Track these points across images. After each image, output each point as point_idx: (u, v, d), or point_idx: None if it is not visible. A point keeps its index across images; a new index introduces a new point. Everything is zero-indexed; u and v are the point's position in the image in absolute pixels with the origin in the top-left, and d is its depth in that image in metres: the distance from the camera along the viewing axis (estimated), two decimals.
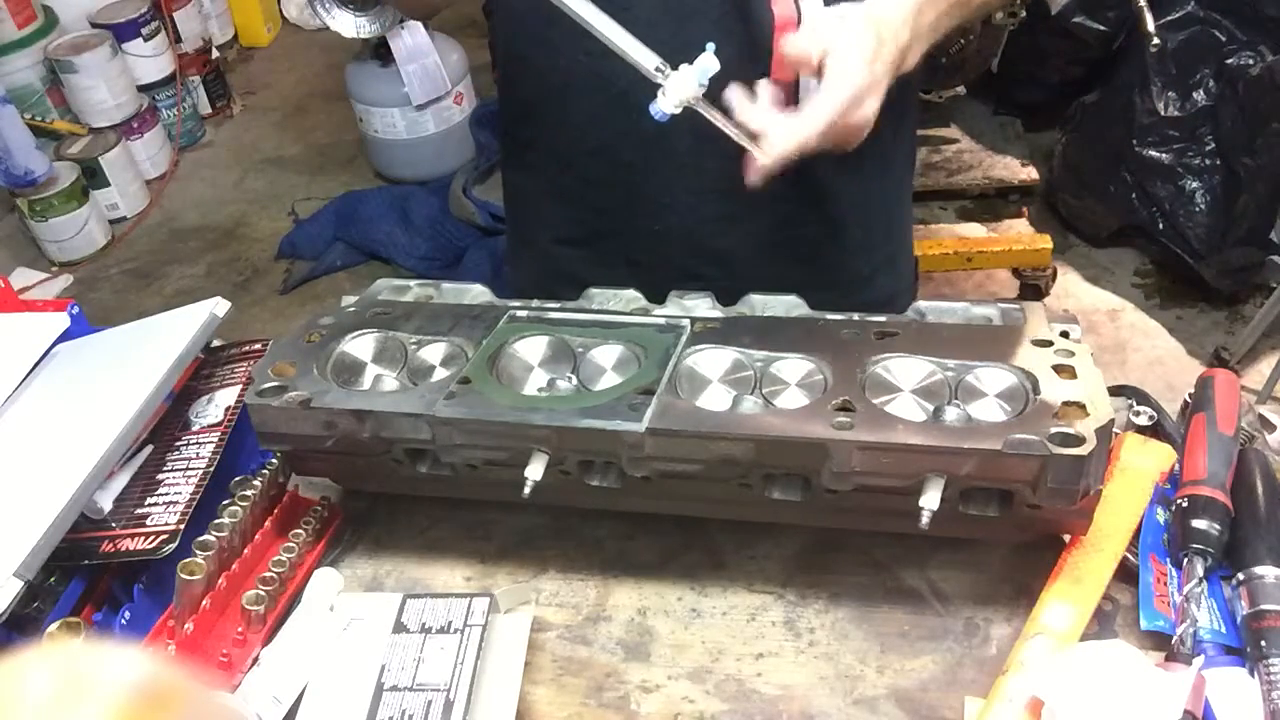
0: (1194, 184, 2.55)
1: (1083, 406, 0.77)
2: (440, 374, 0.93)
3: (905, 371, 0.86)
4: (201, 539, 0.85)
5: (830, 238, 1.13)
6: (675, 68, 0.85)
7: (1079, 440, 0.73)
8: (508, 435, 0.84)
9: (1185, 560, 0.81)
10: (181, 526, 0.86)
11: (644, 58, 0.86)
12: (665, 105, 0.85)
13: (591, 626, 0.89)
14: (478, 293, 1.04)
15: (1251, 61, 2.43)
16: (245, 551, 0.89)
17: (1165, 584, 0.82)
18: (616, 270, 1.01)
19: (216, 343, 1.09)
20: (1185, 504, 0.83)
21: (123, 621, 0.84)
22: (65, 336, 1.06)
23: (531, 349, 0.94)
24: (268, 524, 0.93)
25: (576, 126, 1.07)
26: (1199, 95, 2.53)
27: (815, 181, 1.06)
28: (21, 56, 3.31)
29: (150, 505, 0.90)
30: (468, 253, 3.00)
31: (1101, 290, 2.73)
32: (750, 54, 0.99)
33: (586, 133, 1.06)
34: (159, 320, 1.05)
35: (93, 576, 0.89)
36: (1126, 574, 0.84)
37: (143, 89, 3.57)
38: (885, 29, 0.89)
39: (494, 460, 0.86)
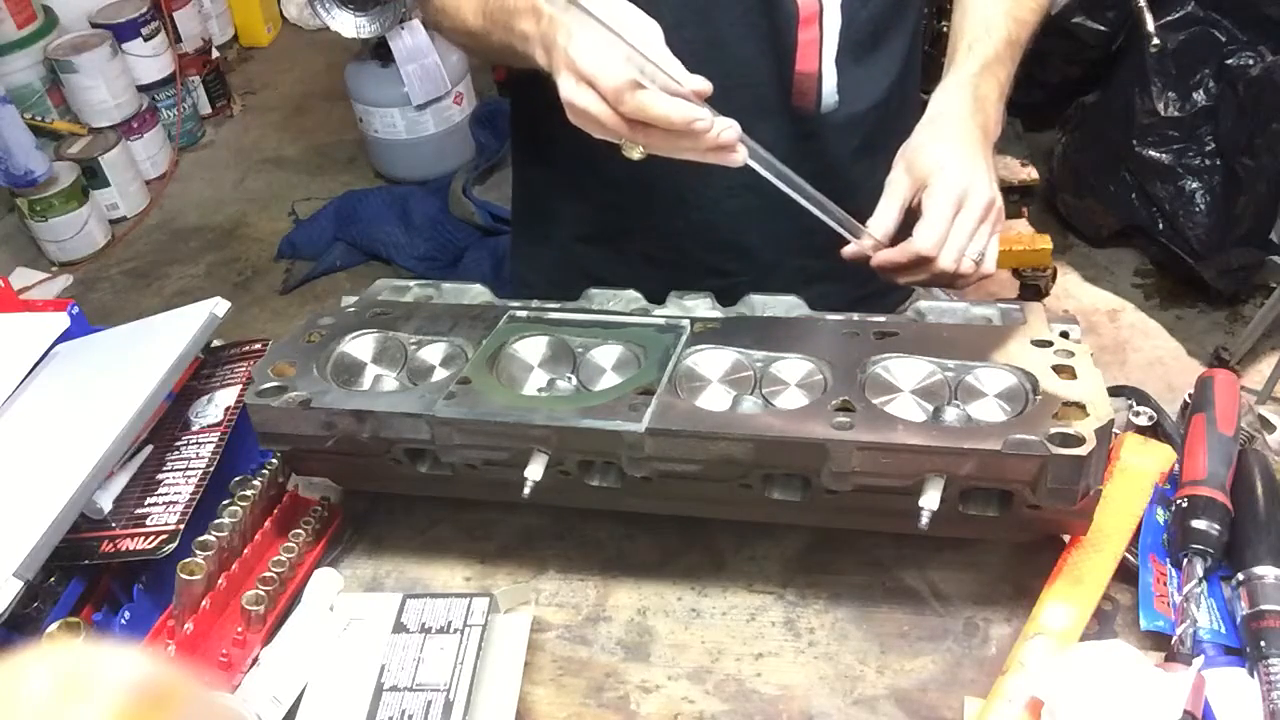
0: (1194, 184, 2.55)
1: (1083, 406, 0.77)
2: (440, 374, 0.93)
3: (905, 371, 0.86)
4: (201, 539, 0.85)
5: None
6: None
7: (1079, 440, 0.73)
8: (507, 435, 0.84)
9: (1185, 560, 0.81)
10: (181, 526, 0.86)
11: (856, 230, 0.98)
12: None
13: (591, 626, 0.89)
14: (478, 293, 1.04)
15: (1251, 61, 2.43)
16: (245, 551, 0.89)
17: (1165, 584, 0.82)
18: (635, 268, 1.01)
19: (216, 343, 1.09)
20: (1185, 504, 0.83)
21: (123, 621, 0.84)
22: (65, 336, 1.06)
23: (531, 349, 0.94)
24: (268, 524, 0.93)
25: None
26: (1199, 95, 2.53)
27: (835, 174, 1.07)
28: (21, 56, 3.30)
29: (150, 505, 0.90)
30: (468, 253, 3.00)
31: (1101, 290, 2.73)
32: (774, 49, 1.00)
33: None
34: (159, 320, 1.05)
35: (93, 576, 0.89)
36: (1126, 574, 0.84)
37: (143, 89, 3.57)
38: (943, 121, 0.99)
39: (494, 460, 0.86)
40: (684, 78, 0.80)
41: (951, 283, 0.99)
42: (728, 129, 0.81)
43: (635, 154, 0.84)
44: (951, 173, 0.96)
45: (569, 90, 0.82)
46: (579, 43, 0.80)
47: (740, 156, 0.85)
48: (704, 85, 0.80)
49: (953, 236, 0.95)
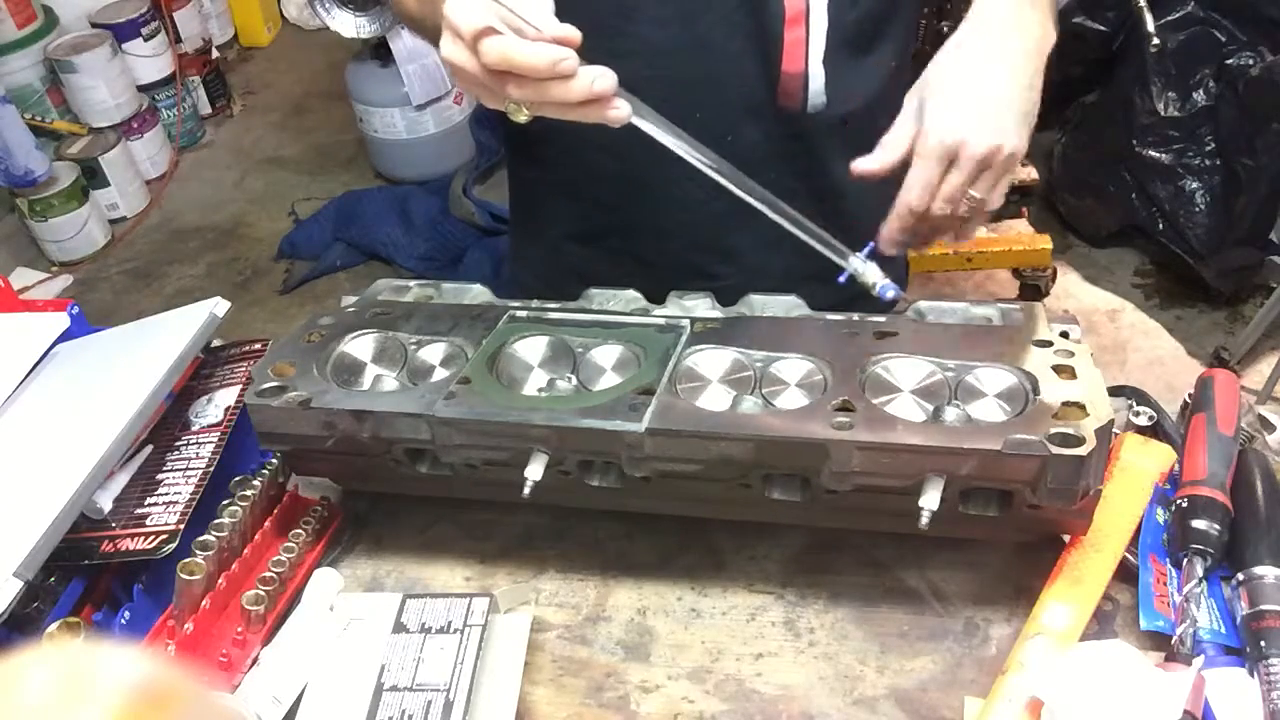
0: (1194, 184, 2.55)
1: (1083, 406, 0.77)
2: (440, 374, 0.93)
3: (905, 371, 0.86)
4: (201, 539, 0.85)
5: (836, 231, 1.13)
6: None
7: (1079, 440, 0.73)
8: (507, 435, 0.84)
9: (1185, 560, 0.81)
10: (181, 526, 0.86)
11: (838, 254, 0.90)
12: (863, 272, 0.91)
13: (591, 626, 0.89)
14: (478, 293, 1.04)
15: (1251, 61, 2.43)
16: (245, 551, 0.89)
17: (1165, 584, 0.82)
18: (624, 268, 1.00)
19: (216, 343, 1.09)
20: (1185, 504, 0.83)
21: (123, 621, 0.84)
22: (65, 336, 1.06)
23: (531, 349, 0.94)
24: (268, 524, 0.93)
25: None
26: (1199, 95, 2.53)
27: (823, 174, 1.06)
28: (21, 56, 3.30)
29: (150, 505, 0.90)
30: (468, 253, 3.00)
31: (1101, 290, 2.73)
32: (760, 49, 1.00)
33: (595, 129, 1.07)
34: (159, 320, 1.05)
35: (93, 576, 0.89)
36: (1126, 574, 0.84)
37: (143, 89, 3.57)
38: (976, 35, 0.89)
39: (494, 460, 0.86)
40: (548, 26, 0.74)
41: (959, 228, 0.93)
42: (600, 77, 0.75)
43: (520, 117, 0.78)
44: (945, 119, 0.87)
45: (445, 48, 0.78)
46: (453, 1, 0.77)
47: (621, 113, 0.78)
48: (570, 33, 0.75)
49: (942, 192, 0.89)
